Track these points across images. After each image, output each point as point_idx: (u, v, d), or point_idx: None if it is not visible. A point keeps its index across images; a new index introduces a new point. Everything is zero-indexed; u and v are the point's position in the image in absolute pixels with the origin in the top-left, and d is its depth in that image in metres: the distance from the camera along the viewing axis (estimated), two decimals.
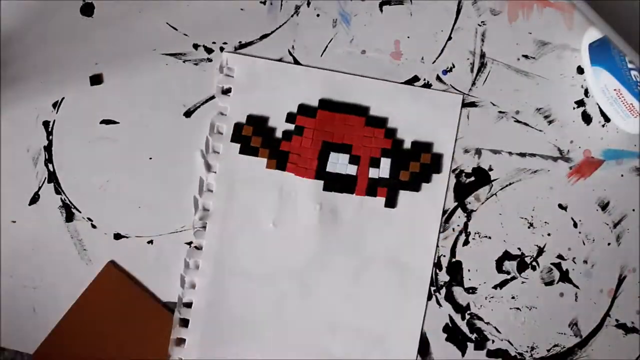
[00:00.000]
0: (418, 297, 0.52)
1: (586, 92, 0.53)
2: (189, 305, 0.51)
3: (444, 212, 0.52)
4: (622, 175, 0.53)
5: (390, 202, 0.52)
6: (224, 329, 0.51)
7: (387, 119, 0.52)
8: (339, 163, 0.52)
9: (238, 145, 0.52)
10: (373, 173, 0.52)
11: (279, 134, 0.52)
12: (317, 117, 0.52)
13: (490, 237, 0.52)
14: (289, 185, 0.52)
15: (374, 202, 0.52)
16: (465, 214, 0.52)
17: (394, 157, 0.52)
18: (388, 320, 0.51)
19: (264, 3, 0.53)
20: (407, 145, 0.52)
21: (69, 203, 0.52)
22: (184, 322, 0.51)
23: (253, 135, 0.52)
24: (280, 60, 0.53)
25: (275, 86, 0.52)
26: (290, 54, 0.53)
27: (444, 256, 0.52)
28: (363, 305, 0.51)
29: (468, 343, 0.52)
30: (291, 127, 0.52)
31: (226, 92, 0.52)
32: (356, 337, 0.51)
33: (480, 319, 0.52)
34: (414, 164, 0.52)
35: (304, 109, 0.52)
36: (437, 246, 0.52)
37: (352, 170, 0.52)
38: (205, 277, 0.51)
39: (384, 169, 0.52)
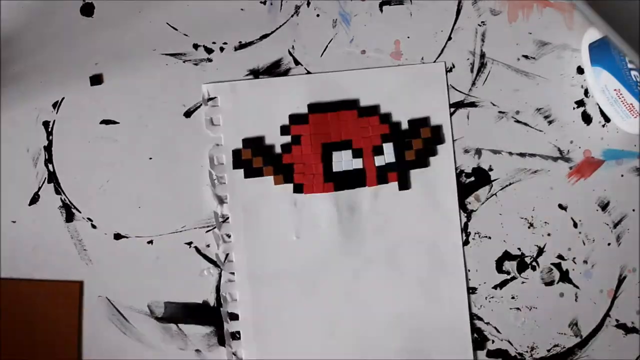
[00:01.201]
0: (455, 274, 0.51)
1: (586, 92, 0.53)
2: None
3: None
4: (622, 175, 0.53)
5: (404, 185, 0.52)
6: (274, 339, 0.51)
7: (379, 106, 0.52)
8: (343, 160, 0.52)
9: (242, 171, 0.52)
10: (379, 161, 0.52)
11: (277, 149, 0.52)
12: (310, 122, 0.52)
13: (490, 237, 0.52)
14: (301, 195, 0.52)
15: (387, 189, 0.52)
16: (465, 214, 0.52)
17: (395, 140, 0.52)
18: (430, 306, 0.51)
19: (264, 3, 0.53)
20: (405, 125, 0.52)
21: (69, 203, 0.52)
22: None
23: (253, 157, 0.52)
24: (279, 60, 0.53)
25: (261, 103, 0.52)
26: (290, 54, 0.53)
27: None
28: (401, 291, 0.51)
29: None
30: (288, 138, 0.52)
31: (216, 122, 0.52)
32: (397, 326, 0.51)
33: (480, 319, 0.52)
34: (416, 141, 0.52)
35: (295, 118, 0.52)
36: (460, 213, 0.52)
37: (358, 163, 0.52)
38: (244, 302, 0.51)
39: (388, 154, 0.52)
